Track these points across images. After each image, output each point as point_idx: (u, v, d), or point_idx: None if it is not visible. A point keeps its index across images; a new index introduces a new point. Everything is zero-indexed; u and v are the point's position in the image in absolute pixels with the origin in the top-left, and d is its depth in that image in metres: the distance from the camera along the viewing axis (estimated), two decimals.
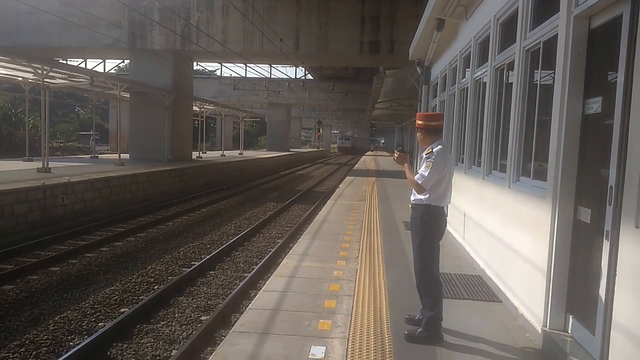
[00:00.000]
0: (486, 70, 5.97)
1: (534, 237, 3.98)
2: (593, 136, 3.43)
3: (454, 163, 4.20)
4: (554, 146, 3.66)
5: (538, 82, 4.40)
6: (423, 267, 3.94)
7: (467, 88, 7.11)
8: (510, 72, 5.14)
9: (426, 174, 3.75)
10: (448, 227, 7.77)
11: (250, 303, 6.75)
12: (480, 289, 5.12)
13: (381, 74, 14.79)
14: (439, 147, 3.86)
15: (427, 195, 3.82)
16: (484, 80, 6.23)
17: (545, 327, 3.70)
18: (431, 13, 7.99)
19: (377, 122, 46.34)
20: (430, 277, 3.93)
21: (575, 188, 3.54)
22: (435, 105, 10.60)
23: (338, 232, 7.96)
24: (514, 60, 4.81)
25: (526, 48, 4.52)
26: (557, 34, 3.75)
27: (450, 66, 8.73)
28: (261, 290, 4.99)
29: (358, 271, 5.60)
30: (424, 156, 3.86)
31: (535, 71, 4.45)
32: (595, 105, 3.36)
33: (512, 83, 4.90)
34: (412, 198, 4.02)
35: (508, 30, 5.27)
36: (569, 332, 3.57)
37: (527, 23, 4.52)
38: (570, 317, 3.57)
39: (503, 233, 4.84)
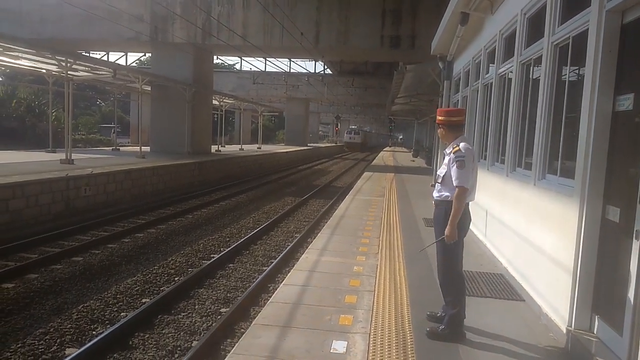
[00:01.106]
0: (512, 66, 5.87)
1: (560, 235, 3.92)
2: (623, 134, 3.35)
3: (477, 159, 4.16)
4: (583, 144, 3.59)
5: (567, 78, 4.32)
6: (446, 264, 3.91)
7: (492, 83, 7.01)
8: (537, 67, 5.05)
9: (461, 174, 3.68)
10: (470, 225, 7.73)
11: (270, 296, 6.83)
12: (502, 287, 5.06)
13: (402, 69, 14.65)
14: (464, 144, 3.81)
15: (452, 193, 3.77)
16: (509, 76, 6.13)
17: (570, 327, 3.64)
18: (455, 7, 7.88)
19: (395, 117, 46.01)
20: (453, 274, 3.90)
21: (603, 186, 3.47)
22: (458, 100, 10.47)
23: (357, 228, 7.95)
24: (541, 56, 4.73)
25: (555, 43, 4.43)
26: (587, 29, 3.67)
27: (474, 61, 8.62)
28: (282, 284, 5.01)
29: (378, 267, 5.58)
30: (452, 155, 3.78)
31: (564, 67, 4.36)
32: (626, 102, 3.28)
33: (538, 79, 4.81)
34: (435, 195, 3.97)
35: (535, 25, 5.17)
36: (595, 332, 3.51)
37: (556, 18, 4.43)
38: (596, 317, 3.51)
39: (527, 231, 4.77)
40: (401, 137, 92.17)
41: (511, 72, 5.96)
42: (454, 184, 3.71)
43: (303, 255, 6.17)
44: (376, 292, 4.71)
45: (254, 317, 6.05)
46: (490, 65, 7.43)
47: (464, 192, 3.69)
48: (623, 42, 3.36)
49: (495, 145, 6.67)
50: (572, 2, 4.24)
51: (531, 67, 5.29)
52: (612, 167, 3.42)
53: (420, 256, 5.86)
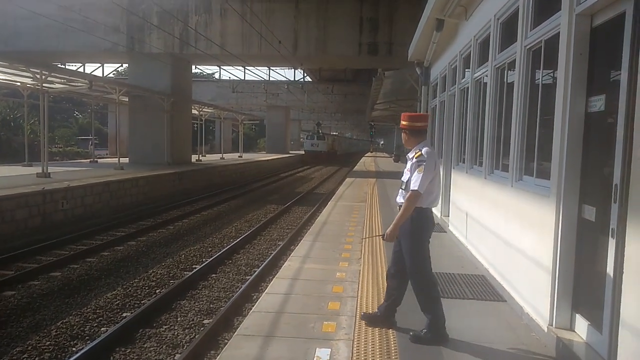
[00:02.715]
0: (487, 70, 5.97)
1: (538, 235, 3.97)
2: (596, 134, 3.42)
3: (440, 163, 4.18)
4: (557, 145, 3.65)
5: (540, 81, 4.40)
6: (417, 270, 3.89)
7: (468, 88, 7.11)
8: (511, 71, 5.13)
9: (420, 178, 3.68)
10: (450, 227, 7.82)
11: (253, 306, 6.77)
12: (484, 288, 5.10)
13: (380, 76, 14.79)
14: (427, 148, 3.83)
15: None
16: (485, 80, 6.23)
17: (552, 325, 3.68)
18: (430, 13, 7.98)
19: (376, 123, 46.31)
20: (425, 279, 3.90)
21: (579, 186, 3.53)
22: (436, 105, 10.59)
23: (340, 234, 7.94)
24: (515, 60, 4.81)
25: (527, 47, 4.51)
26: (558, 33, 3.74)
27: (450, 66, 8.73)
28: (264, 293, 4.97)
29: (361, 272, 5.58)
30: (413, 159, 3.79)
31: (537, 70, 4.44)
32: (598, 103, 3.35)
33: (513, 82, 4.89)
34: (399, 200, 3.95)
35: (509, 30, 5.27)
36: (576, 330, 3.55)
37: (528, 22, 4.52)
38: (577, 315, 3.55)
39: (506, 232, 4.82)
40: (382, 142, 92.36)
41: (486, 76, 6.06)
42: (410, 187, 3.72)
43: (285, 263, 6.14)
44: (359, 297, 4.71)
45: (238, 328, 6.04)
46: (466, 70, 7.54)
47: (417, 196, 3.69)
48: (593, 44, 3.44)
49: (474, 149, 6.75)
50: (543, 6, 4.33)
51: (505, 71, 5.38)
52: (586, 167, 3.48)
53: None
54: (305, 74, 40.16)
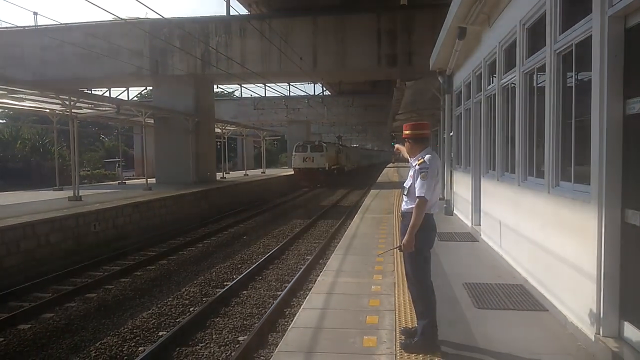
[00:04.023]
0: (514, 76, 5.91)
1: (580, 242, 3.88)
2: (637, 136, 3.35)
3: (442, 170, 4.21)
4: (596, 149, 3.59)
5: (573, 84, 4.34)
6: (416, 276, 3.92)
7: (495, 95, 7.05)
8: (541, 74, 5.07)
9: (424, 185, 3.73)
10: (482, 236, 7.70)
11: (287, 321, 6.78)
12: (523, 298, 5.00)
13: (401, 86, 14.78)
14: (429, 155, 3.87)
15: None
16: (513, 86, 6.17)
17: (599, 334, 3.58)
18: (452, 22, 7.97)
19: (397, 133, 46.19)
20: (423, 285, 3.90)
21: (621, 190, 3.45)
22: (460, 113, 10.52)
23: (370, 246, 7.90)
24: (544, 64, 4.76)
25: (557, 51, 4.46)
26: (590, 36, 3.70)
27: (474, 74, 8.68)
28: (301, 308, 4.95)
29: (396, 285, 5.53)
30: (416, 167, 3.85)
31: (569, 73, 4.38)
32: (637, 105, 3.29)
33: (543, 86, 4.83)
34: (402, 206, 4.03)
35: (536, 35, 5.23)
36: (625, 338, 3.45)
37: (557, 26, 4.47)
38: (625, 323, 3.45)
39: (545, 240, 4.73)
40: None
41: (514, 83, 6.00)
42: (416, 194, 3.76)
43: (319, 278, 6.12)
44: (397, 310, 4.66)
45: (273, 344, 6.03)
46: (492, 76, 7.48)
47: (425, 203, 3.74)
48: (629, 45, 3.38)
49: (504, 155, 6.66)
50: (571, 10, 4.28)
51: (535, 76, 5.32)
52: (628, 170, 3.41)
53: (438, 271, 5.81)
54: (324, 88, 40.40)
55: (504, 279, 5.67)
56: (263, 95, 40.56)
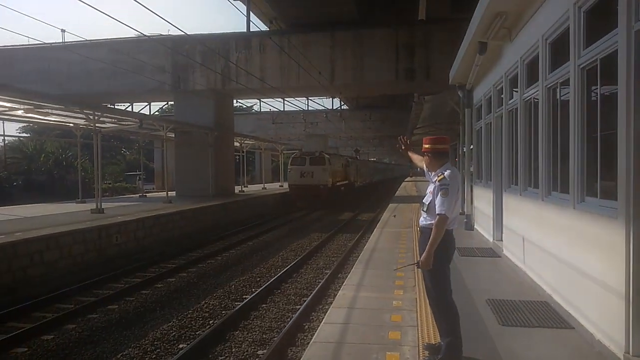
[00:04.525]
0: (537, 91, 5.87)
1: (607, 258, 3.81)
2: None
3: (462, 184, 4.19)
4: (623, 164, 3.54)
5: (598, 98, 4.30)
6: (437, 292, 3.88)
7: (517, 109, 7.00)
8: (564, 89, 5.04)
9: (445, 202, 3.70)
10: (505, 252, 7.60)
11: (306, 336, 6.75)
12: (548, 315, 4.90)
13: (420, 100, 14.78)
14: (449, 171, 3.84)
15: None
16: (535, 100, 6.13)
17: (628, 353, 3.50)
18: (473, 37, 7.97)
19: (415, 147, 45.99)
20: (445, 302, 3.86)
21: None
22: (481, 127, 10.46)
23: (390, 261, 7.85)
24: (568, 79, 4.73)
25: (581, 66, 4.43)
26: (616, 50, 3.67)
27: (495, 88, 8.65)
28: (322, 322, 4.94)
29: (418, 300, 5.48)
30: (437, 182, 3.81)
31: (593, 87, 4.35)
32: None
33: (567, 100, 4.79)
34: (421, 222, 3.99)
35: (559, 49, 5.20)
36: None
37: (580, 41, 4.45)
38: None
39: (570, 256, 4.65)
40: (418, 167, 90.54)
41: (536, 96, 5.96)
42: (436, 212, 3.72)
43: (340, 292, 6.10)
44: (420, 326, 4.61)
45: (293, 359, 6.01)
46: (514, 90, 7.45)
47: (445, 220, 3.70)
48: None
49: (526, 170, 6.59)
50: (595, 25, 4.26)
51: (558, 90, 5.28)
52: None
53: (459, 286, 5.74)
54: (342, 103, 40.56)
55: (528, 296, 5.58)
56: (282, 109, 40.90)
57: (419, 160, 4.45)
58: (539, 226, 5.80)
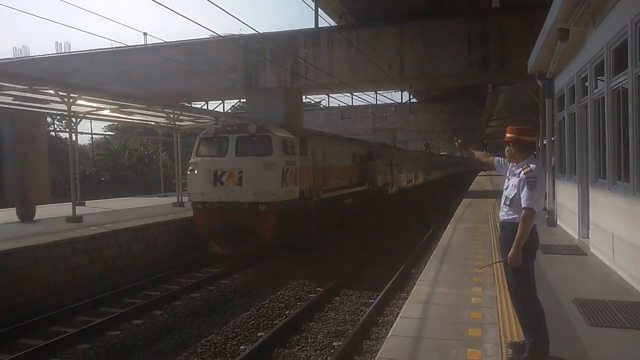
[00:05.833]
0: (626, 79, 5.50)
1: None
2: None
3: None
4: None
5: None
6: (521, 289, 3.75)
7: (604, 98, 6.59)
8: None
9: (533, 196, 3.55)
10: (592, 250, 7.20)
11: (381, 330, 6.80)
12: None
13: (495, 91, 14.24)
14: (534, 164, 3.68)
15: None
16: (624, 88, 5.74)
17: None
18: (554, 24, 7.57)
19: (489, 140, 44.35)
20: (529, 299, 3.72)
21: None
22: (563, 118, 9.93)
23: (466, 257, 7.68)
24: None
25: None
26: None
27: (579, 76, 8.18)
28: (399, 317, 4.95)
29: (498, 298, 5.34)
30: (522, 176, 3.65)
31: None
32: None
33: None
34: (502, 216, 3.84)
35: None
36: None
37: None
38: None
39: None
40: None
41: (625, 86, 5.59)
42: (523, 205, 3.57)
43: (415, 287, 6.07)
44: (501, 324, 4.50)
45: (368, 351, 6.08)
46: (598, 79, 7.02)
47: (533, 214, 3.54)
48: None
49: (616, 163, 6.20)
50: None
51: None
52: None
53: (544, 285, 5.52)
54: (411, 96, 39.93)
55: (619, 296, 5.26)
56: (350, 104, 40.96)
57: (484, 156, 4.32)
58: (631, 222, 5.45)
